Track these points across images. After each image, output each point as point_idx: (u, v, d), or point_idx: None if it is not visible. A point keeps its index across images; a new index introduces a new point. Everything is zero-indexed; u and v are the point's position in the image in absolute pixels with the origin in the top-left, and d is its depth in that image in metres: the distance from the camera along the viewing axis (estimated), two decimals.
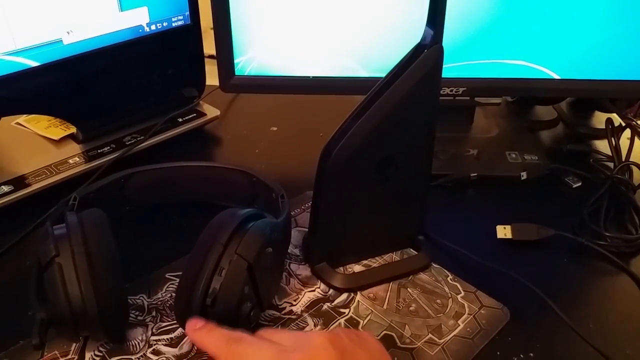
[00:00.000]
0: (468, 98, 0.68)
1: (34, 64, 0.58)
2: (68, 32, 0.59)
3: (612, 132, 0.67)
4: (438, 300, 0.49)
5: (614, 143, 0.67)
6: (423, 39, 0.44)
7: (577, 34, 0.62)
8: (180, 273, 0.44)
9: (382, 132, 0.45)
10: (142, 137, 0.67)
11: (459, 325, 0.47)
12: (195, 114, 0.74)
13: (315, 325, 0.46)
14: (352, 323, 0.47)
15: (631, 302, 0.52)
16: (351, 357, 0.35)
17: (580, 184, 0.66)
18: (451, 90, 0.66)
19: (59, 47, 0.59)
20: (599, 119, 0.77)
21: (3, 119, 0.65)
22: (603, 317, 0.49)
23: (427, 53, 0.43)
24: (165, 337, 0.45)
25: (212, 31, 0.63)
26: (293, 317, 0.47)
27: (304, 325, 0.46)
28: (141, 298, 0.48)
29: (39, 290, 0.40)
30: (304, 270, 0.52)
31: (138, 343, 0.44)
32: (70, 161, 0.63)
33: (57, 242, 0.41)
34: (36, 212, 0.57)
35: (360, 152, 0.45)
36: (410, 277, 0.52)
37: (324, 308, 0.48)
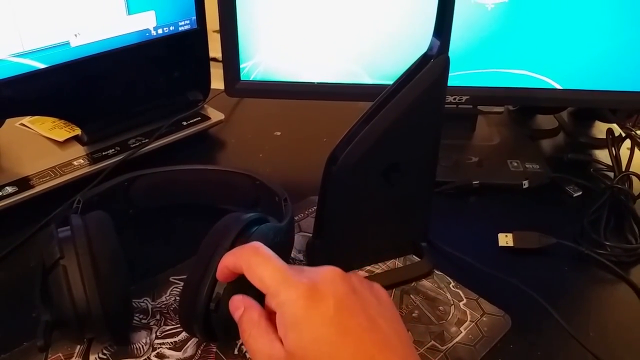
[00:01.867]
0: (471, 106, 0.69)
1: (40, 65, 0.58)
2: (76, 35, 0.59)
3: (613, 142, 0.68)
4: (440, 307, 0.49)
5: (614, 153, 0.67)
6: (430, 48, 0.44)
7: (579, 44, 0.63)
8: (185, 276, 0.44)
9: (389, 139, 0.45)
10: (146, 140, 0.67)
11: (461, 332, 0.47)
12: (199, 118, 0.74)
13: None
14: None
15: (631, 311, 0.52)
16: (359, 297, 0.35)
17: (580, 193, 0.66)
18: (454, 99, 0.66)
19: (66, 50, 0.60)
20: (600, 129, 0.78)
21: (8, 120, 0.65)
22: (603, 325, 0.50)
23: (434, 63, 0.44)
24: (169, 340, 0.45)
25: (217, 34, 0.64)
26: None
27: None
28: (145, 301, 0.49)
29: (44, 293, 0.40)
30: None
31: (142, 346, 0.45)
32: (75, 163, 0.63)
33: (62, 244, 0.41)
34: (40, 214, 0.57)
35: (367, 158, 0.46)
36: (413, 284, 0.52)
37: None
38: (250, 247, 0.37)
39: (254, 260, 0.36)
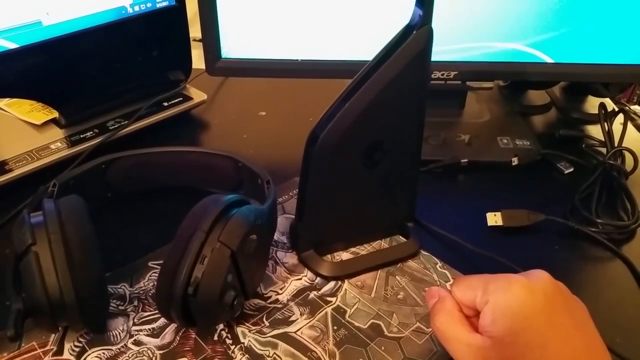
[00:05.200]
0: (459, 82, 0.67)
1: (13, 45, 0.56)
2: (47, 13, 0.57)
3: (605, 116, 0.66)
4: (427, 289, 0.48)
5: (606, 128, 0.66)
6: (412, 19, 0.43)
7: (571, 16, 0.61)
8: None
9: (370, 116, 0.44)
10: (126, 122, 0.66)
11: None
12: (181, 98, 0.72)
13: (301, 315, 0.46)
14: (339, 312, 0.46)
15: (623, 289, 0.51)
16: (565, 295, 0.37)
17: (572, 169, 0.65)
18: (442, 74, 0.64)
19: (39, 29, 0.58)
20: (592, 104, 0.76)
21: None
22: (594, 304, 0.48)
23: (416, 34, 0.42)
24: (147, 327, 0.44)
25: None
26: (279, 306, 0.46)
27: (290, 315, 0.46)
28: (123, 287, 0.47)
29: (16, 280, 0.39)
30: (291, 258, 0.51)
31: (119, 333, 0.43)
32: (52, 146, 0.62)
33: (34, 230, 0.39)
34: (17, 199, 0.55)
35: (348, 137, 0.44)
36: (399, 265, 0.51)
37: (310, 297, 0.47)
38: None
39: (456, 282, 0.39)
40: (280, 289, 0.48)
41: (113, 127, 0.65)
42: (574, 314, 0.36)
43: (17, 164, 0.58)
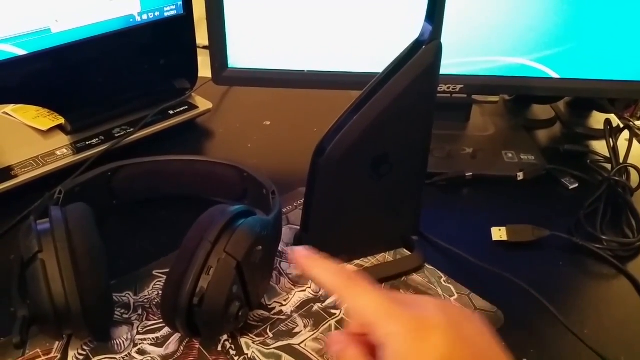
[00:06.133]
0: (465, 95, 0.67)
1: (22, 52, 0.57)
2: (56, 20, 0.58)
3: (611, 132, 0.66)
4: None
5: (612, 144, 0.66)
6: (421, 34, 0.43)
7: (578, 32, 0.61)
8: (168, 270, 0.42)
9: (378, 129, 0.44)
10: (131, 129, 0.66)
11: None
12: (187, 107, 0.72)
13: (305, 327, 0.45)
14: (343, 325, 0.46)
15: (627, 307, 0.51)
16: (461, 326, 0.34)
17: (577, 185, 0.65)
18: (448, 87, 0.65)
19: (48, 36, 0.58)
20: (597, 120, 0.77)
21: None
22: (598, 321, 0.49)
23: (426, 49, 0.42)
24: (151, 336, 0.44)
25: (206, 21, 0.62)
26: (283, 317, 0.46)
27: (294, 326, 0.45)
28: (127, 295, 0.47)
29: (22, 287, 0.39)
30: (295, 270, 0.51)
31: (123, 342, 0.43)
32: (58, 153, 0.62)
33: (40, 237, 0.39)
34: (22, 205, 0.55)
35: (355, 149, 0.44)
36: (403, 278, 0.51)
37: (314, 309, 0.47)
38: (346, 276, 0.35)
39: (353, 291, 0.34)
40: (284, 300, 0.48)
41: (119, 134, 0.65)
42: (474, 339, 0.34)
43: (22, 170, 0.58)
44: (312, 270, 0.37)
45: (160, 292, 0.47)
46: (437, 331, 0.32)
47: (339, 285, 0.35)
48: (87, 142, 0.64)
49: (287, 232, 0.54)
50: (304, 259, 0.38)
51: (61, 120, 0.65)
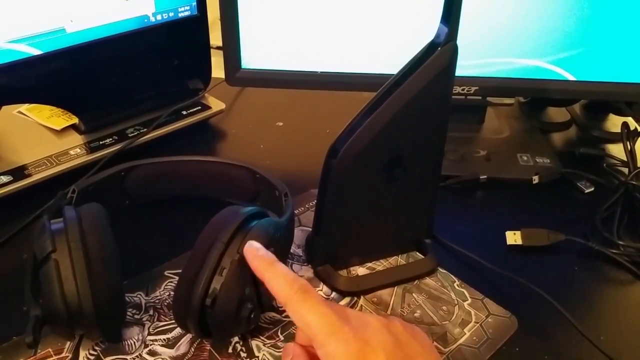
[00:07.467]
0: (480, 98, 0.67)
1: (37, 52, 0.57)
2: (71, 21, 0.58)
3: (628, 136, 0.65)
4: (444, 307, 0.48)
5: (629, 148, 0.65)
6: (437, 36, 0.42)
7: (595, 34, 0.60)
8: (180, 271, 0.42)
9: (392, 132, 0.43)
10: (145, 130, 0.66)
11: (465, 333, 0.45)
12: (200, 107, 0.72)
13: None
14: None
15: None
16: (405, 346, 0.34)
17: (592, 189, 0.64)
18: (463, 89, 0.64)
19: (62, 36, 0.58)
20: (614, 122, 0.76)
21: (4, 107, 0.63)
22: (614, 328, 0.48)
23: (441, 51, 0.42)
24: (162, 337, 0.44)
25: (220, 22, 0.62)
26: None
27: None
28: (139, 296, 0.47)
29: (34, 287, 0.39)
30: (307, 272, 0.51)
31: (134, 342, 0.43)
32: (72, 152, 0.62)
33: (54, 237, 0.39)
34: (35, 204, 0.55)
35: (368, 151, 0.44)
36: (415, 282, 0.50)
37: None
38: (297, 286, 0.35)
39: (302, 305, 0.35)
40: None
41: (132, 134, 0.65)
42: (416, 358, 0.34)
43: (36, 169, 0.59)
44: (264, 273, 0.37)
45: (172, 292, 0.47)
46: (381, 353, 0.33)
47: (289, 296, 0.35)
48: (101, 142, 0.64)
49: (298, 234, 0.54)
50: (257, 258, 0.38)
51: (75, 120, 0.65)
